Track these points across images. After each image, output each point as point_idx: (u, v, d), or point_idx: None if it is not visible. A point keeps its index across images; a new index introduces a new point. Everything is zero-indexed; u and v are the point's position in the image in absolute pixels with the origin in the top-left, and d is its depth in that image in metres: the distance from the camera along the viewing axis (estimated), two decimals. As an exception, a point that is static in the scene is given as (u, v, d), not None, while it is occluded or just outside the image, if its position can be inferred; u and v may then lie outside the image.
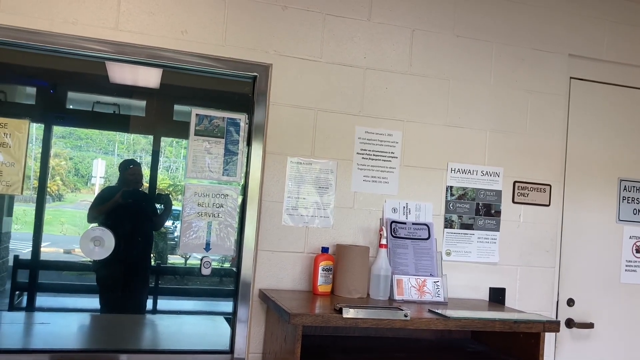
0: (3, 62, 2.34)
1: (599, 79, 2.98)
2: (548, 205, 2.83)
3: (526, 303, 2.76)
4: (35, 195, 2.33)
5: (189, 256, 2.51)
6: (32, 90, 2.40)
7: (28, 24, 2.27)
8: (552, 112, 2.86)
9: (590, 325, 2.87)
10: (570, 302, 2.87)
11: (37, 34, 2.29)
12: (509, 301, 2.74)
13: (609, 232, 2.97)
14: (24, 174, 2.28)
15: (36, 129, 2.33)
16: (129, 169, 2.44)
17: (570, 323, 2.86)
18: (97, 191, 2.43)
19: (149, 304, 2.50)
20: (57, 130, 2.38)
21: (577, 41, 2.92)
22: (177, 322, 2.53)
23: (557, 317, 2.84)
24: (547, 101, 2.86)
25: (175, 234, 2.50)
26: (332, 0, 2.59)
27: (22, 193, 2.28)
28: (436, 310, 2.20)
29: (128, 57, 2.39)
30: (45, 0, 2.29)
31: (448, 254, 2.68)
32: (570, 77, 2.94)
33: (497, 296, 2.72)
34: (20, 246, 2.34)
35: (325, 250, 2.45)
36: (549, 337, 2.79)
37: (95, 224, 2.37)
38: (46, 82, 2.39)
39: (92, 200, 2.41)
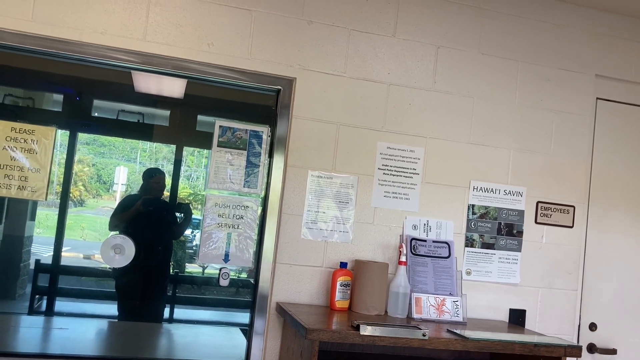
0: (33, 69, 2.39)
1: (626, 100, 2.95)
2: (571, 227, 2.78)
3: (547, 326, 2.71)
4: (58, 201, 2.36)
5: (207, 265, 2.52)
6: (59, 97, 2.44)
7: (59, 34, 2.32)
8: (577, 132, 2.83)
9: (613, 352, 2.81)
10: (593, 327, 2.81)
11: (67, 44, 2.34)
12: (529, 323, 2.69)
13: (633, 256, 2.91)
14: (49, 180, 2.31)
15: (61, 135, 2.36)
16: (153, 177, 2.46)
17: (592, 348, 2.80)
18: (118, 198, 2.46)
19: (166, 312, 2.51)
20: (80, 136, 2.41)
21: (604, 62, 2.88)
22: (194, 331, 2.53)
23: (578, 342, 2.79)
24: (573, 121, 2.82)
25: (194, 243, 2.51)
26: (358, 16, 2.60)
27: (46, 199, 2.32)
28: (455, 331, 2.18)
29: (154, 68, 2.42)
30: (76, 10, 2.34)
31: (468, 273, 2.65)
32: (597, 98, 2.90)
33: (517, 318, 2.68)
34: (41, 250, 2.36)
35: (343, 265, 2.43)
36: (569, 362, 2.73)
37: (116, 232, 2.39)
38: (73, 90, 2.43)
39: (114, 207, 2.43)
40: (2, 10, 2.27)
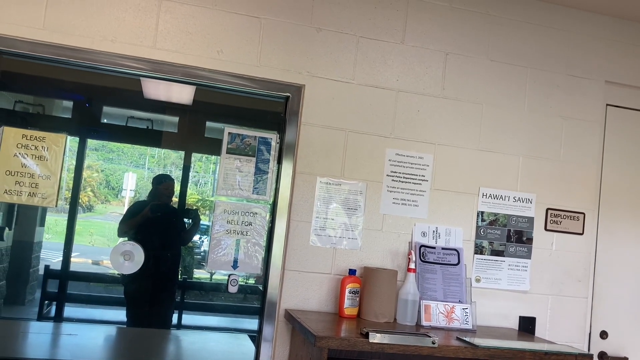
0: (43, 76, 2.41)
1: (637, 107, 2.93)
2: (581, 234, 2.77)
3: (557, 334, 2.69)
4: (68, 206, 2.37)
5: (214, 271, 2.52)
6: (68, 104, 2.45)
7: (70, 42, 2.34)
8: (587, 139, 2.81)
9: (624, 360, 2.79)
10: (604, 335, 2.79)
11: (77, 51, 2.35)
12: (539, 331, 2.67)
13: (644, 263, 2.89)
14: (59, 187, 2.33)
15: (70, 142, 2.37)
16: (163, 183, 2.47)
17: (603, 356, 2.78)
18: (127, 204, 2.46)
19: (175, 318, 2.51)
20: (89, 142, 2.42)
21: (614, 68, 2.87)
22: (202, 338, 2.53)
23: (589, 350, 2.76)
24: (582, 128, 2.81)
25: (202, 249, 2.52)
26: (366, 23, 2.60)
27: (56, 205, 2.33)
28: (464, 338, 2.16)
29: (164, 75, 2.43)
30: (87, 19, 2.36)
31: (478, 280, 2.64)
32: (607, 104, 2.89)
33: (527, 325, 2.66)
34: (51, 256, 2.37)
35: (352, 272, 2.43)
36: (580, 370, 2.71)
37: (125, 238, 2.40)
38: (83, 97, 2.44)
39: (123, 214, 2.44)
40: (14, 19, 2.29)
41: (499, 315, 2.65)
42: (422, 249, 2.55)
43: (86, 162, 2.41)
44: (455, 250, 2.59)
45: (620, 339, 2.81)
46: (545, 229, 2.73)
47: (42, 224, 2.37)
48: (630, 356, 2.79)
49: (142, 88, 2.47)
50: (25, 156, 2.31)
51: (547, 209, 2.74)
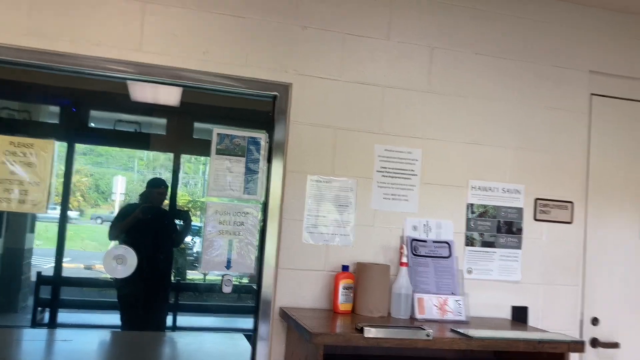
0: (28, 82, 2.39)
1: (620, 95, 2.96)
2: (570, 223, 2.80)
3: (549, 322, 2.72)
4: (58, 212, 2.36)
5: (208, 272, 2.52)
6: (55, 109, 2.44)
7: (53, 47, 2.32)
8: (573, 128, 2.84)
9: (615, 345, 2.82)
10: (595, 321, 2.83)
11: (62, 56, 2.34)
12: (531, 320, 2.70)
13: (633, 249, 2.92)
14: (48, 193, 2.31)
15: (58, 147, 2.36)
16: (158, 187, 2.46)
17: (595, 343, 2.81)
18: (117, 207, 2.46)
19: (169, 320, 2.51)
20: (77, 147, 2.41)
21: (598, 57, 2.90)
22: (197, 339, 2.53)
23: (581, 337, 2.80)
24: (568, 118, 2.84)
25: (194, 250, 2.52)
26: (352, 20, 2.61)
27: (46, 211, 2.32)
28: (458, 330, 2.18)
29: (151, 78, 2.43)
30: (70, 22, 2.34)
31: (469, 272, 2.66)
32: (591, 94, 2.91)
33: (519, 315, 2.69)
34: (42, 262, 2.36)
35: (345, 268, 2.44)
36: (573, 357, 2.71)
37: (117, 242, 2.39)
38: (69, 102, 2.43)
39: (114, 216, 2.44)
40: (-3, 25, 2.27)
41: (491, 306, 2.67)
42: (414, 242, 2.57)
43: (75, 167, 2.40)
44: (446, 243, 2.61)
45: (611, 325, 2.84)
46: (535, 219, 2.76)
47: (32, 231, 2.36)
48: (622, 341, 2.83)
49: (129, 91, 2.46)
50: (14, 163, 2.29)
51: (536, 199, 2.77)
